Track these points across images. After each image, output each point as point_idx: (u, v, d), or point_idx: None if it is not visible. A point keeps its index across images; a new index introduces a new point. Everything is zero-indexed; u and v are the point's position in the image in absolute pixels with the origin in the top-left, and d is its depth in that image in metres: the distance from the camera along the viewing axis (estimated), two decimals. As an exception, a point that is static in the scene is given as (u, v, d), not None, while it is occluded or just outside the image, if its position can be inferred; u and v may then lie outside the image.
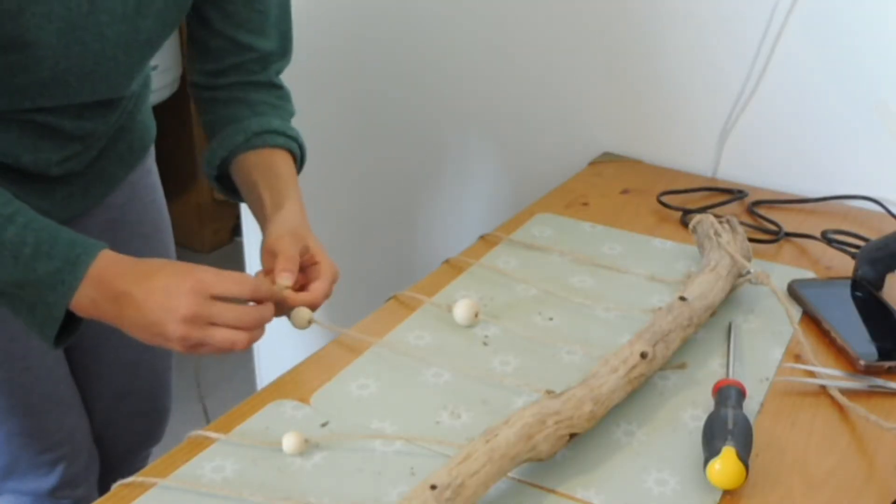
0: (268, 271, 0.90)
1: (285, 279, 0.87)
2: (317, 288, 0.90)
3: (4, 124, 0.91)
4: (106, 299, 0.82)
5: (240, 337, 0.81)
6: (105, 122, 1.01)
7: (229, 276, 0.82)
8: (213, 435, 0.78)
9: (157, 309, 0.80)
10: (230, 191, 1.07)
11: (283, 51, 1.07)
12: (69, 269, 0.81)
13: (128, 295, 0.81)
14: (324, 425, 0.80)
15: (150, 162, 1.19)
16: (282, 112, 1.07)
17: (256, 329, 0.83)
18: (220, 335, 0.81)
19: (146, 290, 0.80)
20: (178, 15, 0.97)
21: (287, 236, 0.91)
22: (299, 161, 1.07)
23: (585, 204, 1.24)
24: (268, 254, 0.91)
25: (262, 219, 0.98)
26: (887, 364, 0.88)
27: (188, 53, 1.08)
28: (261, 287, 0.84)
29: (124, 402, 1.25)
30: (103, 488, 0.73)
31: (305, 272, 0.92)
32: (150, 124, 1.16)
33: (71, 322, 0.85)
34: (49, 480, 1.13)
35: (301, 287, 0.90)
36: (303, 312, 0.89)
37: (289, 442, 0.76)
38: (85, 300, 0.82)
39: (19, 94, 0.89)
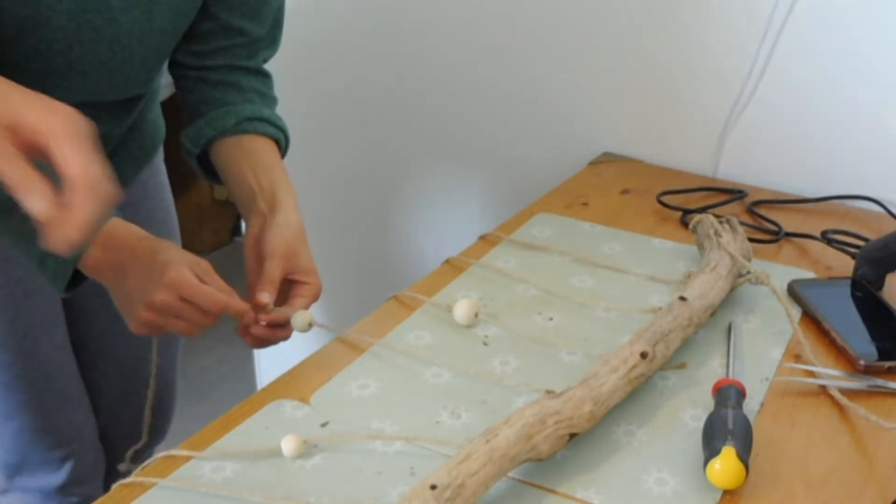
0: (251, 271, 0.93)
1: (265, 297, 0.89)
2: (296, 305, 0.92)
3: None
4: (107, 265, 0.86)
5: (195, 330, 0.87)
6: (120, 126, 1.01)
7: (205, 291, 0.85)
8: (212, 435, 0.78)
9: (135, 289, 0.85)
10: (207, 171, 1.06)
11: (272, 39, 1.06)
12: None
13: (122, 268, 0.86)
14: (324, 425, 0.80)
15: (159, 161, 1.19)
16: (269, 101, 1.06)
17: (213, 323, 0.88)
18: (178, 326, 0.86)
19: (134, 269, 0.85)
20: (193, 3, 0.97)
21: (279, 255, 0.91)
22: (283, 151, 1.06)
23: (585, 204, 1.24)
24: (255, 254, 0.93)
25: (249, 209, 0.97)
26: (887, 364, 0.88)
27: None
28: (231, 308, 0.87)
29: (128, 400, 1.25)
30: (107, 487, 0.74)
31: (291, 286, 0.93)
32: (160, 123, 1.16)
33: (78, 275, 0.89)
34: (58, 477, 1.13)
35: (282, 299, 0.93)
36: (303, 316, 0.90)
37: (288, 446, 0.76)
38: (91, 261, 0.86)
39: (38, 83, 0.89)
